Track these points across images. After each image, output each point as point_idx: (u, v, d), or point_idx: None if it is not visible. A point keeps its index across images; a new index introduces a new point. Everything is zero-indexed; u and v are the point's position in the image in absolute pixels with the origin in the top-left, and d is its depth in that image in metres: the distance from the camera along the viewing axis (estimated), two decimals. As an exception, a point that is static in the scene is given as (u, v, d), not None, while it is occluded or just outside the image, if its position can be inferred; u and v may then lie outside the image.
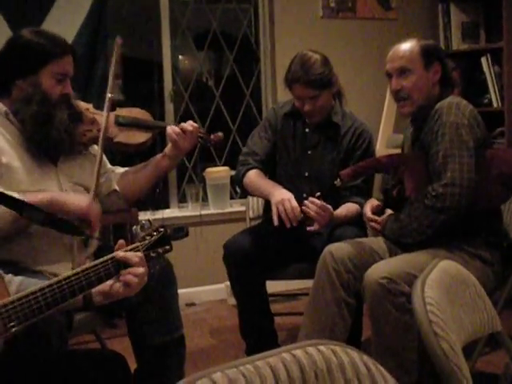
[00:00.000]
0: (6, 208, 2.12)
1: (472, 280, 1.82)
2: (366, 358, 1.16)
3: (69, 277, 1.74)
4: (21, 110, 2.51)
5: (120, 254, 1.91)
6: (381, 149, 4.61)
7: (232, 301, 4.68)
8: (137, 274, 1.92)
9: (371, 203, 3.12)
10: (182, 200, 5.03)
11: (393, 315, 2.60)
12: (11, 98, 2.53)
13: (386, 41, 4.73)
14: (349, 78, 4.68)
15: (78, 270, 1.79)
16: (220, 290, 4.84)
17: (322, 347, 1.12)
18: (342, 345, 1.16)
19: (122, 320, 4.01)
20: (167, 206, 4.99)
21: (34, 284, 1.77)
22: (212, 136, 2.89)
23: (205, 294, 4.84)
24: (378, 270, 2.63)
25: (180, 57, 5.21)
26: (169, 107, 4.94)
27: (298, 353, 1.10)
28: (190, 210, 4.91)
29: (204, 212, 4.86)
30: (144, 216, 4.53)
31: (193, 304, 4.70)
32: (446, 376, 1.41)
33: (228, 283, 4.53)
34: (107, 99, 2.71)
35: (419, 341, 2.60)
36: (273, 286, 3.47)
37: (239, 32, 5.23)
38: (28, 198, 2.23)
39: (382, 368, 1.17)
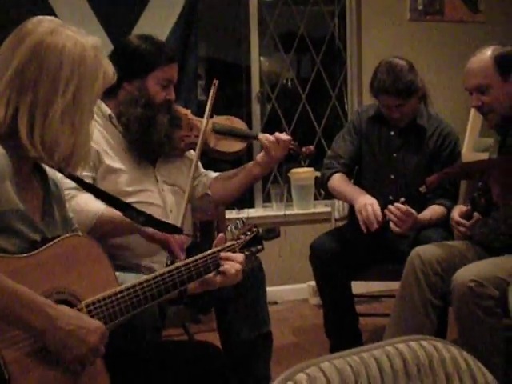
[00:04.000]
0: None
1: None
2: (465, 354, 1.20)
3: (171, 271, 1.82)
4: (126, 112, 2.63)
5: (224, 254, 1.99)
6: (467, 153, 4.58)
7: (314, 300, 4.73)
8: (234, 265, 1.99)
9: (459, 208, 3.12)
10: (267, 200, 5.11)
11: (480, 318, 2.60)
12: (117, 99, 2.65)
13: (473, 44, 4.70)
14: (435, 81, 4.68)
15: (179, 264, 1.87)
16: (302, 289, 4.89)
17: (423, 342, 1.17)
18: (442, 341, 1.20)
19: (206, 316, 4.13)
20: (252, 206, 5.09)
21: (132, 279, 1.85)
22: (304, 149, 2.93)
23: (287, 293, 4.90)
24: (467, 273, 2.64)
25: (261, 58, 5.27)
26: (255, 109, 5.03)
27: (401, 347, 1.15)
28: (274, 210, 5.00)
29: (288, 212, 4.93)
30: (229, 215, 4.62)
31: (275, 303, 4.75)
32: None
33: (310, 283, 4.60)
34: (206, 115, 2.80)
35: (507, 344, 2.61)
36: (354, 287, 3.50)
37: (324, 34, 5.27)
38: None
39: (481, 365, 1.21)
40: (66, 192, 2.01)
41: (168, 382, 1.91)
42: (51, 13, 4.19)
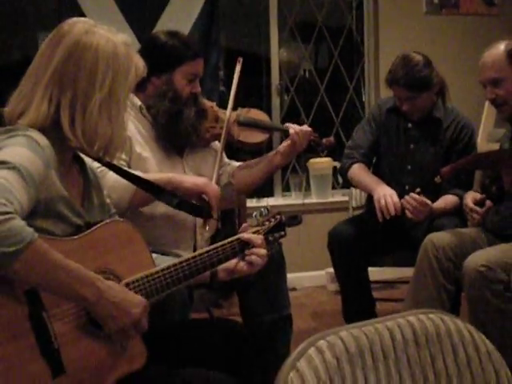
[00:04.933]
0: (127, 183, 2.35)
1: None
2: (469, 326, 1.34)
3: (202, 254, 1.98)
4: (154, 105, 2.76)
5: (245, 235, 2.13)
6: (482, 143, 4.68)
7: (332, 287, 4.86)
8: (259, 254, 2.13)
9: (473, 195, 3.23)
10: (286, 189, 5.28)
11: (490, 301, 2.72)
12: (146, 92, 2.78)
13: (488, 37, 4.79)
14: (451, 73, 4.75)
15: (210, 247, 2.01)
16: (320, 276, 5.03)
17: (432, 315, 1.31)
18: (449, 314, 1.34)
19: (226, 301, 4.26)
20: (271, 195, 5.24)
21: (166, 261, 2.00)
22: (324, 140, 3.07)
23: (305, 279, 5.05)
24: (477, 258, 2.76)
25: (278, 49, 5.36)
26: (275, 101, 5.16)
27: (412, 319, 1.29)
28: (293, 199, 5.17)
29: (307, 201, 5.09)
30: (250, 203, 4.76)
31: (294, 289, 4.88)
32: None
33: (328, 270, 4.73)
34: (229, 107, 2.93)
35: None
36: (371, 274, 3.63)
37: (342, 25, 5.39)
38: (149, 177, 2.46)
39: (483, 336, 1.35)
40: (100, 169, 2.15)
41: (195, 356, 2.06)
42: (77, 8, 4.35)
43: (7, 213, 1.46)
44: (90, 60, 1.78)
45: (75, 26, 1.83)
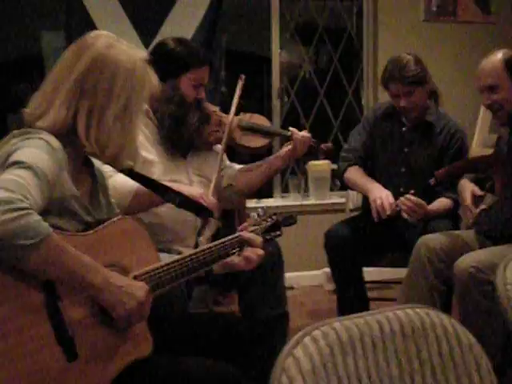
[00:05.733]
0: (127, 190, 2.50)
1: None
2: (453, 321, 1.45)
3: (204, 250, 2.09)
4: (160, 109, 2.87)
5: (246, 234, 2.24)
6: (476, 148, 4.78)
7: (328, 286, 4.95)
8: (257, 253, 2.24)
9: (472, 190, 3.30)
10: (285, 190, 5.39)
11: (480, 301, 2.83)
12: (152, 96, 2.88)
13: (484, 44, 4.92)
14: (447, 79, 4.89)
15: (211, 244, 2.13)
16: (317, 275, 5.14)
17: (418, 310, 1.42)
18: (434, 309, 1.45)
19: (225, 298, 4.37)
20: (271, 195, 5.36)
21: (167, 258, 2.11)
22: (322, 145, 3.18)
23: (303, 278, 5.14)
24: (468, 260, 2.87)
25: (279, 51, 5.44)
26: (276, 104, 5.26)
27: (399, 313, 1.40)
28: (291, 200, 5.27)
29: (305, 202, 5.21)
30: (249, 204, 4.86)
31: (291, 288, 4.97)
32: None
33: (325, 270, 4.82)
34: (231, 112, 3.03)
35: (504, 325, 2.83)
36: (367, 274, 3.73)
37: (342, 29, 5.49)
38: None
39: (466, 330, 1.46)
40: (106, 170, 2.26)
41: (195, 347, 2.17)
42: (84, 11, 4.46)
43: (24, 208, 1.57)
44: (110, 74, 1.90)
45: (98, 39, 1.94)
